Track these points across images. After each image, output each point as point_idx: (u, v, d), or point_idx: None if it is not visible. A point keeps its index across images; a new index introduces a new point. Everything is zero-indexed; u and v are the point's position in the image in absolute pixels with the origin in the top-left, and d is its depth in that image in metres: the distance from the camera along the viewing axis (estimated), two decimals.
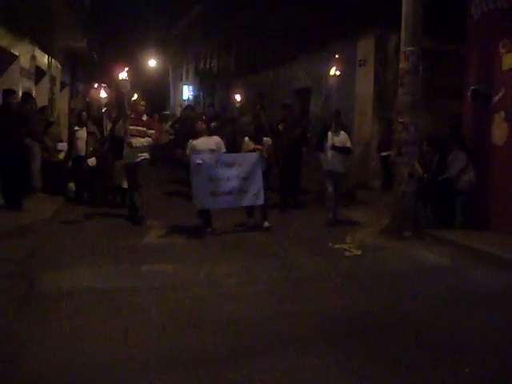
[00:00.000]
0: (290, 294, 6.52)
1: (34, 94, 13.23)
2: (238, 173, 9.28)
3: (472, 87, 10.03)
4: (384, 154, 13.46)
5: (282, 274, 7.25)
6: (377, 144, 14.27)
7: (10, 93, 10.41)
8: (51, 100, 17.35)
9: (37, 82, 15.11)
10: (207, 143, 9.55)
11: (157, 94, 37.80)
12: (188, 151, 9.48)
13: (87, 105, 21.97)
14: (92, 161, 11.45)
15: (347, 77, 14.89)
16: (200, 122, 10.05)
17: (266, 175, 9.85)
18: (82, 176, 11.76)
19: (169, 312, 5.78)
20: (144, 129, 10.22)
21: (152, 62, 35.51)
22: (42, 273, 6.99)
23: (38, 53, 15.04)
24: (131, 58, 17.79)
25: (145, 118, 10.75)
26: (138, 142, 10.00)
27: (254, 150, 9.74)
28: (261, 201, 9.53)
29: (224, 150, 9.70)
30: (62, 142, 12.98)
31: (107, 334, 5.19)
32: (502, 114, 9.40)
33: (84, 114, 12.64)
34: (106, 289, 6.49)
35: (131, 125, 10.04)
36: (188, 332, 5.28)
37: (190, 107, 17.84)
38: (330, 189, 10.28)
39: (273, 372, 4.51)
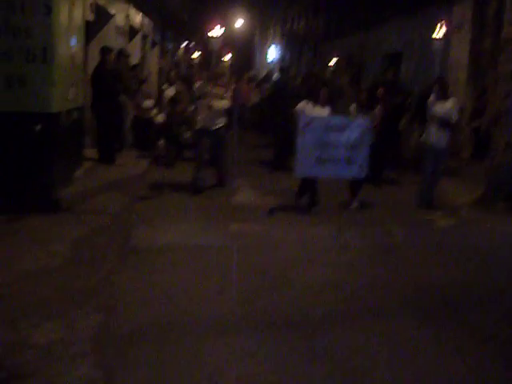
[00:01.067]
0: (382, 262, 6.50)
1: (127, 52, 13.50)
2: (349, 139, 8.11)
3: None
4: (475, 123, 13.03)
5: (372, 241, 7.23)
6: (469, 113, 13.80)
7: (107, 50, 10.67)
8: (143, 58, 17.67)
9: (130, 40, 15.41)
10: (322, 112, 8.74)
11: (243, 54, 37.82)
12: (299, 109, 8.69)
13: (175, 64, 22.32)
14: (159, 117, 11.53)
15: (441, 42, 14.44)
16: (324, 89, 8.99)
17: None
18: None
19: (261, 272, 5.89)
20: (222, 90, 9.66)
21: (239, 22, 35.42)
22: (137, 228, 7.24)
23: (132, 11, 15.31)
24: (220, 19, 17.79)
25: (224, 80, 10.10)
26: (217, 104, 9.43)
27: None
28: (364, 173, 8.31)
29: None
30: (151, 99, 13.23)
31: (200, 290, 5.35)
32: None
33: (173, 73, 12.81)
34: (198, 245, 6.67)
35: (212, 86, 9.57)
36: (279, 293, 5.37)
37: (285, 70, 16.41)
38: (430, 169, 9.22)
39: (366, 338, 4.55)
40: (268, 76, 21.95)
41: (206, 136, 9.49)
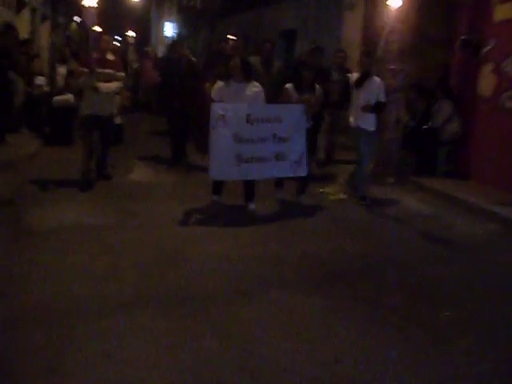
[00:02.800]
0: (275, 236, 6.63)
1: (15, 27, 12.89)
2: (276, 131, 6.97)
3: (462, 37, 10.01)
4: None
5: (266, 216, 7.34)
6: None
7: None
8: (32, 33, 16.92)
9: (17, 13, 14.71)
10: (242, 91, 7.03)
11: (138, 30, 37.01)
12: (213, 94, 7.10)
13: (67, 39, 21.52)
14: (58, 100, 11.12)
15: (333, 21, 14.77)
16: (237, 58, 7.26)
17: (310, 134, 7.54)
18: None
19: (155, 250, 5.87)
20: (111, 71, 8.36)
21: None
22: (29, 209, 7.00)
23: None
24: None
25: (111, 57, 8.65)
26: (106, 87, 8.17)
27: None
28: (303, 171, 7.33)
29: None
30: (42, 76, 12.73)
31: (95, 270, 5.27)
32: (491, 65, 9.43)
33: (67, 49, 12.38)
34: (92, 225, 6.55)
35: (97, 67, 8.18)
36: (175, 270, 5.37)
37: (178, 44, 12.97)
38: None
39: (259, 312, 4.64)
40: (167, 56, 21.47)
41: (93, 123, 8.25)
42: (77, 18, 23.40)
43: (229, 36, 15.02)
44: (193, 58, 10.44)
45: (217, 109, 6.68)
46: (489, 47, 9.46)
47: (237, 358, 3.89)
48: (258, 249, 6.10)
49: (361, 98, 8.16)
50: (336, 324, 4.51)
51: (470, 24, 9.98)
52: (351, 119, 8.38)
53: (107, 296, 4.73)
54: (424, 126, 10.04)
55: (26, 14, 16.02)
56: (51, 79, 12.15)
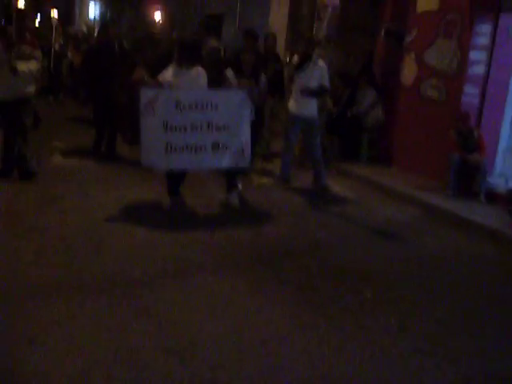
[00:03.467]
0: (199, 221, 6.61)
1: None
2: (213, 119, 6.44)
3: (386, 25, 10.21)
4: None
5: (194, 202, 7.28)
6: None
7: None
8: None
9: None
10: (190, 79, 6.56)
11: (61, 10, 35.93)
12: (161, 79, 6.52)
13: None
14: None
15: (261, 5, 14.79)
16: (182, 43, 6.82)
17: (254, 126, 7.12)
18: None
19: (78, 234, 5.74)
20: (29, 48, 7.39)
21: None
22: None
23: None
24: None
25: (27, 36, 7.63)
26: (22, 67, 7.14)
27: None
28: (245, 161, 6.81)
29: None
30: None
31: (18, 254, 5.11)
32: (413, 55, 9.69)
33: None
34: (13, 210, 6.33)
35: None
36: (99, 255, 5.28)
37: (109, 26, 10.74)
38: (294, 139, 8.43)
39: (185, 294, 4.62)
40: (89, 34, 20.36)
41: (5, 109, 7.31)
42: None
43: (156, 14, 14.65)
44: (124, 42, 10.00)
45: (146, 94, 6.24)
46: (411, 37, 9.70)
47: (165, 341, 3.87)
48: (184, 234, 6.05)
49: (301, 82, 7.92)
50: (261, 306, 4.54)
51: (394, 13, 10.19)
52: (291, 105, 8.14)
53: (32, 281, 4.61)
54: (348, 113, 10.20)
55: None
56: None
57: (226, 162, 6.63)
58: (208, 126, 6.41)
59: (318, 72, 7.93)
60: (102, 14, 32.86)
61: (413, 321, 4.56)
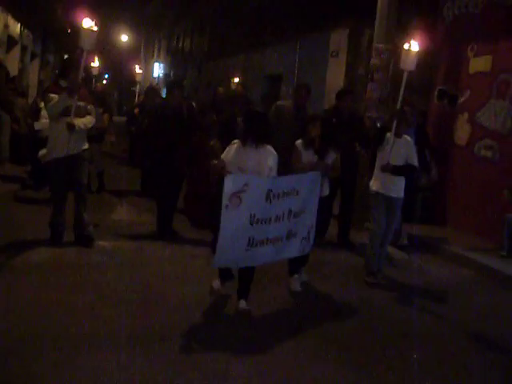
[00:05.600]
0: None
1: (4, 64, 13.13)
2: (293, 206, 5.58)
3: (439, 87, 10.35)
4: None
5: None
6: None
7: None
8: (21, 70, 17.18)
9: (7, 51, 14.99)
10: (256, 158, 5.50)
11: (128, 69, 37.59)
12: (222, 164, 5.40)
13: (55, 77, 21.74)
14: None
15: (319, 68, 15.16)
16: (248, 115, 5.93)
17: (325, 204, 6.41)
18: None
19: (134, 288, 5.94)
20: (83, 103, 7.11)
21: (124, 37, 35.21)
22: (8, 245, 7.03)
23: (11, 21, 14.91)
24: (104, 34, 17.46)
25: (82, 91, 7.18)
26: (79, 122, 6.96)
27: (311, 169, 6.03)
28: (309, 247, 6.00)
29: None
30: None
31: (74, 308, 5.31)
32: (466, 115, 9.77)
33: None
34: (71, 263, 6.63)
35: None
36: (153, 309, 5.45)
37: (177, 86, 8.65)
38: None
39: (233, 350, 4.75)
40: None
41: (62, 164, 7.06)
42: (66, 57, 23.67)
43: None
44: (194, 105, 9.03)
45: (233, 183, 5.09)
46: (464, 98, 9.79)
47: None
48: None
49: (384, 157, 6.76)
50: (306, 364, 4.62)
51: (447, 74, 10.33)
52: (374, 183, 6.97)
53: (85, 335, 4.77)
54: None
55: (16, 51, 16.31)
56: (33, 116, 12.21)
57: (295, 250, 5.86)
58: (289, 215, 5.57)
59: (404, 148, 6.79)
60: (165, 75, 33.98)
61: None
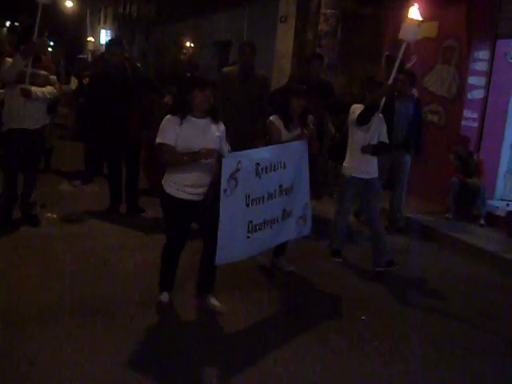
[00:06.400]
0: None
1: None
2: (283, 180, 5.18)
3: (386, 53, 10.42)
4: None
5: None
6: None
7: None
8: None
9: None
10: (209, 130, 4.65)
11: (73, 37, 36.62)
12: (163, 136, 4.55)
13: None
14: None
15: (268, 34, 15.07)
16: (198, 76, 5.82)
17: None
18: None
19: (82, 259, 5.91)
20: (45, 72, 6.70)
21: (69, 3, 34.10)
22: None
23: None
24: None
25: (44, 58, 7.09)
26: (37, 90, 6.47)
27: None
28: (308, 228, 5.65)
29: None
30: None
31: (23, 279, 5.28)
32: None
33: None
34: (20, 235, 6.54)
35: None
36: (101, 279, 5.44)
37: (117, 43, 7.79)
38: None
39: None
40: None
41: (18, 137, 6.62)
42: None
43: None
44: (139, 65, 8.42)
45: (229, 164, 4.53)
46: (411, 62, 9.89)
47: (160, 361, 4.05)
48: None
49: (363, 137, 6.16)
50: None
51: (394, 40, 10.37)
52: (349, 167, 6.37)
53: (35, 306, 4.74)
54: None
55: None
56: None
57: (293, 231, 5.46)
58: (280, 191, 5.13)
59: (378, 124, 6.22)
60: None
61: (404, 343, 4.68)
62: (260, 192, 4.88)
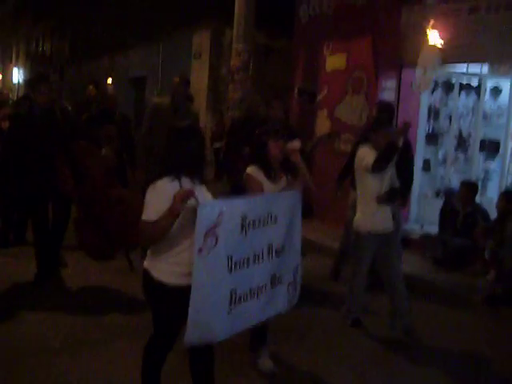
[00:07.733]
0: None
1: None
2: (273, 238, 4.13)
3: (298, 86, 10.67)
4: (217, 145, 13.83)
5: None
6: (210, 135, 14.62)
7: None
8: None
9: None
10: None
11: None
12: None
13: None
14: None
15: (182, 69, 15.16)
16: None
17: None
18: None
19: None
20: None
21: None
22: None
23: None
24: None
25: None
26: None
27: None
28: (296, 295, 4.42)
29: None
30: None
31: None
32: (325, 111, 10.15)
33: None
34: None
35: None
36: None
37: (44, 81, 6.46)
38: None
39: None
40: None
41: None
42: None
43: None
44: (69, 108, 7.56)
45: (208, 215, 3.45)
46: (322, 94, 10.16)
47: None
48: None
49: (379, 185, 5.44)
50: None
51: (306, 73, 10.67)
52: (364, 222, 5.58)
53: None
54: None
55: None
56: None
57: (281, 304, 4.31)
58: (269, 251, 4.09)
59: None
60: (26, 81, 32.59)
61: None
62: (244, 253, 3.84)
